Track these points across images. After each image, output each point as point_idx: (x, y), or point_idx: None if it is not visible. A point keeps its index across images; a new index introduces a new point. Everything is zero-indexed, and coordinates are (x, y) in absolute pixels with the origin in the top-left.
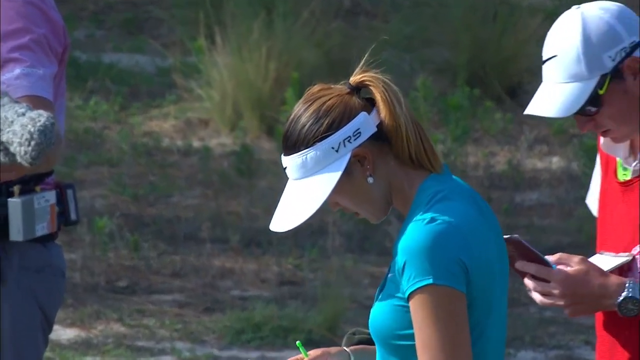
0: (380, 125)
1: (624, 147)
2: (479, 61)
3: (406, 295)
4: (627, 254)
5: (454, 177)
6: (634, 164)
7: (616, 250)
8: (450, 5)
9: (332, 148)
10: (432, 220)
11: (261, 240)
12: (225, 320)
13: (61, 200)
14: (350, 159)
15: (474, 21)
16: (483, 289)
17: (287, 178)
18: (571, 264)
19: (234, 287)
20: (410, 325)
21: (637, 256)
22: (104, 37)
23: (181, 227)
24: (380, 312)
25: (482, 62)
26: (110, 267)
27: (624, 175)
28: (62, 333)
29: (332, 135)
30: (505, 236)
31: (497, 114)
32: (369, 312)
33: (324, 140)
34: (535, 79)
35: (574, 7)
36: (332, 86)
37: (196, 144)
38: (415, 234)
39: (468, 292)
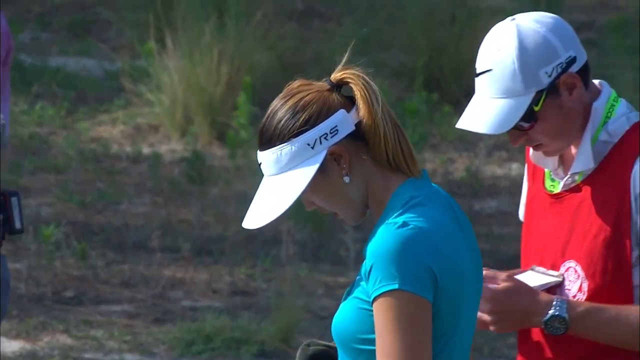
0: (359, 125)
1: (553, 158)
2: (436, 65)
3: (371, 299)
4: (557, 273)
5: (433, 184)
6: (565, 178)
7: (543, 262)
8: (407, 7)
9: (308, 144)
10: (404, 224)
11: (213, 249)
12: (176, 331)
13: (5, 208)
14: (326, 156)
15: (431, 23)
16: (452, 298)
17: (239, 183)
18: (498, 282)
19: (185, 297)
20: (374, 330)
21: (566, 273)
22: (50, 40)
23: (130, 235)
24: (344, 314)
25: (439, 65)
26: (57, 276)
27: (552, 186)
28: (7, 345)
29: (309, 131)
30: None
31: (455, 119)
32: (324, 323)
33: (299, 136)
34: None
35: (509, 19)
36: (313, 82)
37: (146, 150)
38: (384, 237)
39: (435, 300)
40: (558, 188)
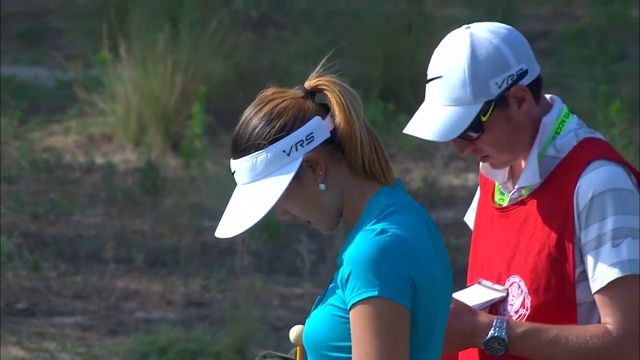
0: (334, 132)
1: (502, 171)
2: (393, 74)
3: (349, 305)
4: (502, 288)
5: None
6: (512, 192)
7: (489, 276)
8: (363, 16)
9: (284, 151)
10: (383, 231)
11: (167, 260)
12: (130, 343)
13: None
14: (302, 163)
15: (387, 33)
16: (428, 308)
17: (193, 194)
18: None
19: (139, 308)
20: (347, 337)
21: (510, 288)
22: (2, 49)
23: (83, 246)
24: (317, 321)
25: (396, 75)
26: (9, 288)
27: (501, 200)
28: None
29: (284, 138)
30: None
31: None
32: (280, 334)
33: (275, 143)
34: None
35: (464, 27)
36: (286, 90)
37: (99, 160)
38: (363, 244)
39: (413, 309)
40: (506, 202)
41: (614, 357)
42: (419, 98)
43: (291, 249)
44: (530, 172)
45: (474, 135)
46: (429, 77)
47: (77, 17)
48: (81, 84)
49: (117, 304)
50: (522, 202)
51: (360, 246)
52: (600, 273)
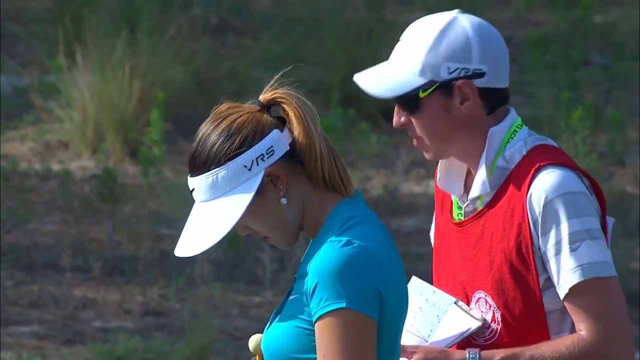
0: (292, 144)
1: (458, 185)
2: (353, 81)
3: (315, 317)
4: (479, 315)
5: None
6: (465, 204)
7: (455, 293)
8: (324, 22)
9: (245, 166)
10: (348, 243)
11: (125, 268)
12: (87, 353)
13: None
14: (263, 178)
15: (348, 39)
16: (393, 321)
17: (152, 201)
18: (409, 356)
19: (96, 318)
20: (310, 350)
21: (477, 304)
22: None
23: (40, 254)
24: (278, 334)
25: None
26: None
27: (459, 215)
28: None
29: (245, 153)
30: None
31: (372, 137)
32: (239, 344)
33: (236, 158)
34: None
35: (457, 10)
36: (241, 104)
37: (56, 167)
38: (329, 255)
39: (379, 321)
40: (463, 216)
41: None
42: (379, 105)
43: (252, 257)
44: (480, 182)
45: (411, 110)
46: (401, 38)
47: (33, 23)
48: (37, 90)
49: (74, 313)
50: (478, 216)
51: (326, 258)
52: (564, 279)
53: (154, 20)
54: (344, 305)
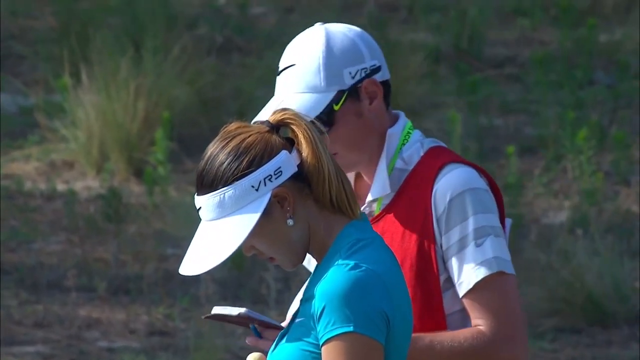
0: (300, 166)
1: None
2: None
3: (322, 341)
4: None
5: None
6: (364, 207)
7: None
8: None
9: (252, 187)
10: (356, 266)
11: (130, 288)
12: None
13: None
14: (270, 199)
15: None
16: (399, 344)
17: (157, 221)
18: None
19: (101, 337)
20: None
21: None
22: None
23: (44, 274)
24: (284, 356)
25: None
26: None
27: None
28: None
29: (253, 173)
30: (234, 313)
31: None
32: None
33: (244, 178)
34: (417, 118)
35: (318, 24)
36: (249, 124)
37: (60, 187)
38: (337, 278)
39: (385, 344)
40: None
41: (491, 356)
42: None
43: (256, 276)
44: (379, 184)
45: (327, 128)
46: (280, 68)
47: (38, 42)
48: (42, 110)
49: (79, 333)
50: (376, 220)
51: (333, 281)
52: (467, 275)
53: (159, 40)
54: (351, 329)
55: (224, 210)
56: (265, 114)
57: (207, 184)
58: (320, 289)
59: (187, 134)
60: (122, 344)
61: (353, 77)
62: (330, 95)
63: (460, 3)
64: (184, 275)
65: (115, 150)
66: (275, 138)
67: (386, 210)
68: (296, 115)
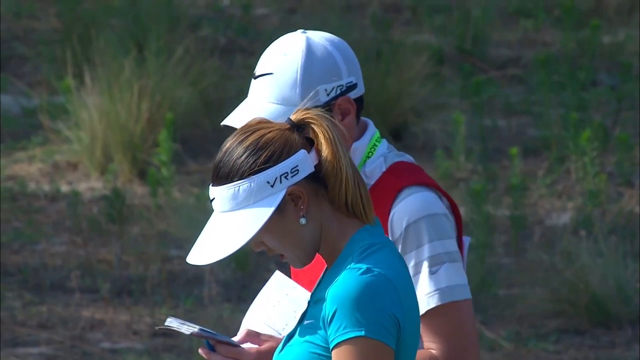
0: (318, 166)
1: None
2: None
3: (332, 344)
4: None
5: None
6: None
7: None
8: None
9: (268, 182)
10: (368, 271)
11: (133, 289)
12: None
13: None
14: (284, 196)
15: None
16: (409, 348)
17: (160, 222)
18: (261, 341)
19: (105, 339)
20: None
21: None
22: None
23: (48, 275)
24: (292, 358)
25: (365, 102)
26: None
27: None
28: None
29: (270, 169)
30: (186, 332)
31: None
32: None
33: (260, 173)
34: (421, 119)
35: (300, 31)
36: (271, 121)
37: (64, 188)
38: (348, 282)
39: (396, 349)
40: None
41: None
42: (389, 125)
43: (260, 277)
44: None
45: None
46: (257, 74)
47: (40, 43)
48: (45, 111)
49: (82, 334)
50: None
51: (345, 284)
52: (420, 301)
53: (162, 41)
54: (362, 333)
55: (238, 203)
56: (234, 119)
57: (222, 176)
58: (332, 292)
59: (191, 135)
60: (126, 345)
61: (328, 95)
62: None
63: (463, 4)
64: (188, 277)
65: (119, 152)
66: (295, 136)
67: None
68: (318, 115)
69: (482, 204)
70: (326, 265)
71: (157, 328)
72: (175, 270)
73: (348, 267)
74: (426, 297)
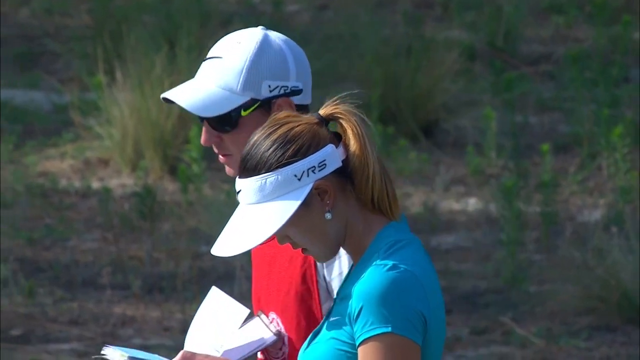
0: (346, 162)
1: None
2: (392, 97)
3: (359, 341)
4: (275, 330)
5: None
6: None
7: (260, 307)
8: (362, 38)
9: (295, 176)
10: (394, 267)
11: (164, 286)
12: None
13: None
14: (311, 190)
15: (386, 56)
16: (435, 344)
17: (191, 219)
18: None
19: (136, 335)
20: None
21: (272, 324)
22: None
23: (79, 272)
24: (318, 355)
25: (395, 98)
26: (4, 314)
27: None
28: None
29: (297, 163)
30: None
31: (411, 153)
32: None
33: (287, 166)
34: (452, 116)
35: (261, 27)
36: (300, 114)
37: (95, 184)
38: (375, 279)
39: (422, 346)
40: None
41: None
42: (419, 121)
43: None
44: None
45: (228, 129)
46: (208, 56)
47: (72, 40)
48: (77, 108)
49: (113, 331)
50: (273, 237)
51: (371, 281)
52: None
53: (193, 37)
54: (389, 329)
55: (264, 195)
56: (173, 94)
57: (250, 168)
58: (358, 288)
59: None
60: (157, 341)
61: (271, 91)
62: (242, 100)
63: (495, 0)
64: (218, 273)
65: (150, 148)
66: (323, 131)
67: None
68: (347, 110)
69: (513, 200)
70: (353, 262)
71: (93, 357)
72: (205, 267)
73: (374, 263)
74: None
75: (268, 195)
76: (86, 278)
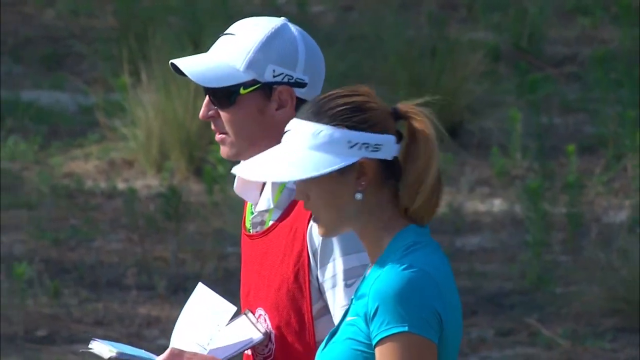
0: (395, 160)
1: (255, 192)
2: (417, 98)
3: (375, 340)
4: (263, 329)
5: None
6: (252, 216)
7: (248, 305)
8: (387, 39)
9: (349, 142)
10: (410, 267)
11: (189, 286)
12: None
13: None
14: (355, 163)
15: (411, 57)
16: (451, 344)
17: (216, 219)
18: None
19: (161, 336)
20: None
21: (259, 321)
22: (23, 74)
23: (104, 273)
24: (335, 355)
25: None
26: (29, 315)
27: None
28: None
29: (357, 131)
30: (105, 357)
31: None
32: None
33: (347, 130)
34: (477, 117)
35: (283, 18)
36: (379, 98)
37: (120, 185)
38: (390, 278)
39: (439, 345)
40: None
41: None
42: (445, 123)
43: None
44: (266, 197)
45: (226, 104)
46: (225, 32)
47: (98, 41)
48: (102, 109)
49: (138, 331)
50: (265, 233)
51: (387, 281)
52: (337, 312)
53: (218, 38)
54: (406, 329)
55: (312, 144)
56: (182, 62)
57: (313, 112)
58: (374, 288)
59: None
60: None
61: (274, 77)
62: (244, 78)
63: (520, 1)
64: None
65: (175, 149)
66: (393, 122)
67: (274, 226)
68: (424, 113)
69: (539, 201)
70: (370, 262)
71: (80, 351)
72: (231, 268)
73: (390, 263)
74: (342, 309)
75: (315, 146)
76: (111, 279)
